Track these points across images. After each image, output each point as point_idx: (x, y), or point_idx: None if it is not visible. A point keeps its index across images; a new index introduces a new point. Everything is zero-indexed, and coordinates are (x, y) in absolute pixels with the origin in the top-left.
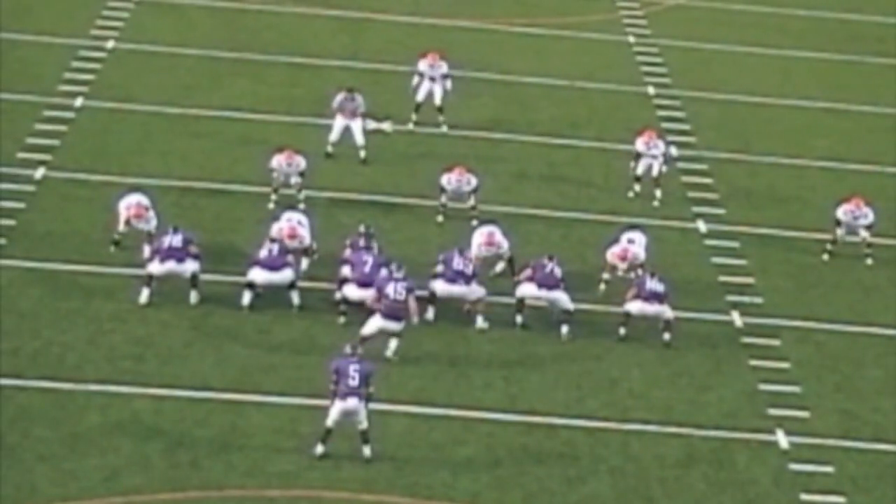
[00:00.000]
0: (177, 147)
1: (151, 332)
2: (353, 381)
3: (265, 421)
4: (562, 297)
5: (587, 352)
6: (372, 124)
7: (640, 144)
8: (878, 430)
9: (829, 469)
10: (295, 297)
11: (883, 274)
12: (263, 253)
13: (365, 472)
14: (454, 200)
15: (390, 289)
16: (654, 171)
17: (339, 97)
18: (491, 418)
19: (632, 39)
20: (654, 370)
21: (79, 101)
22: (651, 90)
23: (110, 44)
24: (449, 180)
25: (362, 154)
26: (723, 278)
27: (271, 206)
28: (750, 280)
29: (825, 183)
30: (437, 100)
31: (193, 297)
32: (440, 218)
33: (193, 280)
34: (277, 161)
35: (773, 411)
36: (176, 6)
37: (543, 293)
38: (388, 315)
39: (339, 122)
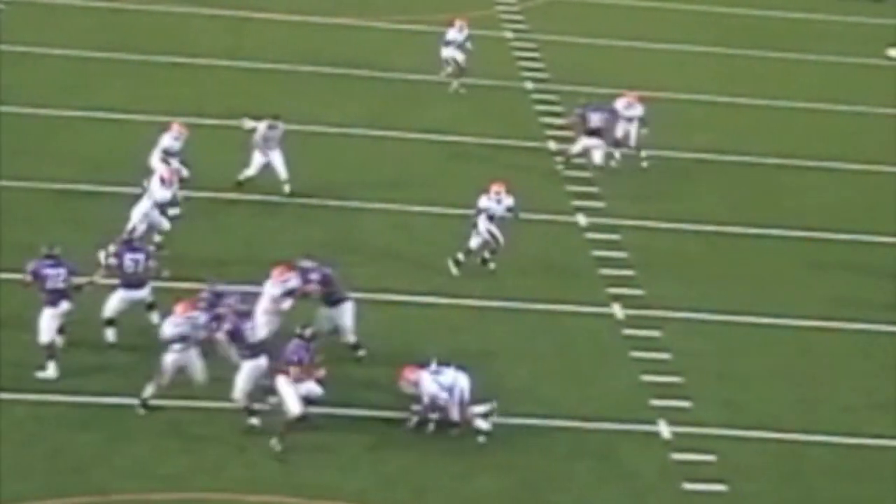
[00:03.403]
0: (54, 149)
1: (32, 338)
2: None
3: (149, 424)
4: None
5: (473, 348)
6: (250, 123)
7: (619, 105)
8: (759, 418)
9: (711, 458)
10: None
11: (761, 264)
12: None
13: (251, 473)
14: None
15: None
16: (633, 137)
17: (262, 128)
18: (378, 416)
19: (509, 35)
20: (540, 365)
21: None
22: (529, 85)
23: None
24: (489, 199)
25: (286, 189)
26: (604, 271)
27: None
28: (631, 272)
29: (706, 175)
30: (461, 62)
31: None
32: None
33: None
34: (168, 137)
35: (655, 402)
36: (48, 6)
37: None
38: None
39: (258, 159)
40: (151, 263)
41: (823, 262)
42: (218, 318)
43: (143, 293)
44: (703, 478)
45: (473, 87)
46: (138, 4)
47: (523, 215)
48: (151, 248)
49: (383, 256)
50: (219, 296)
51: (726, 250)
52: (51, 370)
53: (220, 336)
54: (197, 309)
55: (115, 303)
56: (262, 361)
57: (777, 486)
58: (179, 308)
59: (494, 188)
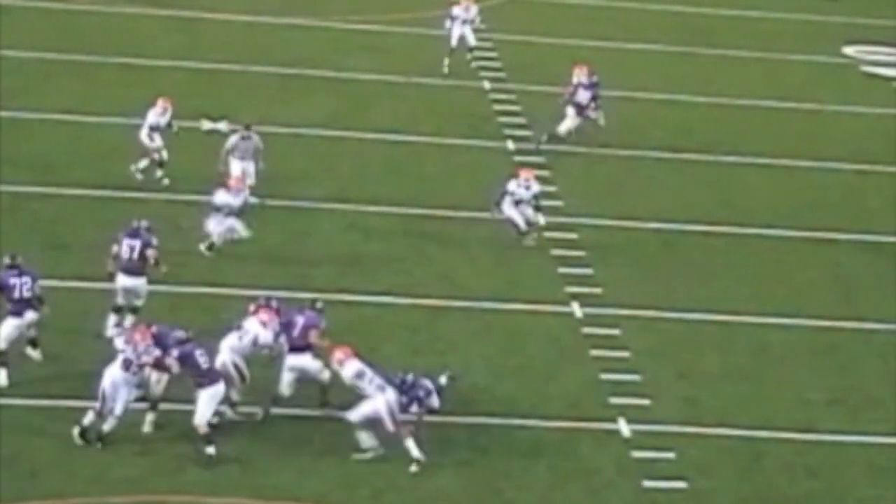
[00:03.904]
0: (7, 152)
1: None
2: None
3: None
4: None
5: (431, 348)
6: (207, 124)
7: (574, 78)
8: (718, 415)
9: (670, 455)
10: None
11: (719, 262)
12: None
13: (210, 475)
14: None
15: None
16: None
17: (234, 138)
18: (336, 416)
19: None
20: (497, 363)
21: None
22: (487, 84)
23: None
24: (518, 184)
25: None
26: (562, 270)
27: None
28: (589, 271)
29: (663, 173)
30: (471, 41)
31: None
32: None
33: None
34: (153, 113)
35: (614, 400)
36: (2, 7)
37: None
38: None
39: (234, 166)
40: (149, 253)
41: (780, 260)
42: (165, 348)
43: (136, 283)
44: (662, 475)
45: (430, 86)
46: (89, 5)
47: (481, 215)
48: (153, 239)
49: (339, 257)
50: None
51: (684, 248)
52: (1, 378)
53: (170, 362)
54: (150, 338)
55: (118, 289)
56: (221, 387)
57: (736, 483)
58: (136, 335)
59: (524, 174)
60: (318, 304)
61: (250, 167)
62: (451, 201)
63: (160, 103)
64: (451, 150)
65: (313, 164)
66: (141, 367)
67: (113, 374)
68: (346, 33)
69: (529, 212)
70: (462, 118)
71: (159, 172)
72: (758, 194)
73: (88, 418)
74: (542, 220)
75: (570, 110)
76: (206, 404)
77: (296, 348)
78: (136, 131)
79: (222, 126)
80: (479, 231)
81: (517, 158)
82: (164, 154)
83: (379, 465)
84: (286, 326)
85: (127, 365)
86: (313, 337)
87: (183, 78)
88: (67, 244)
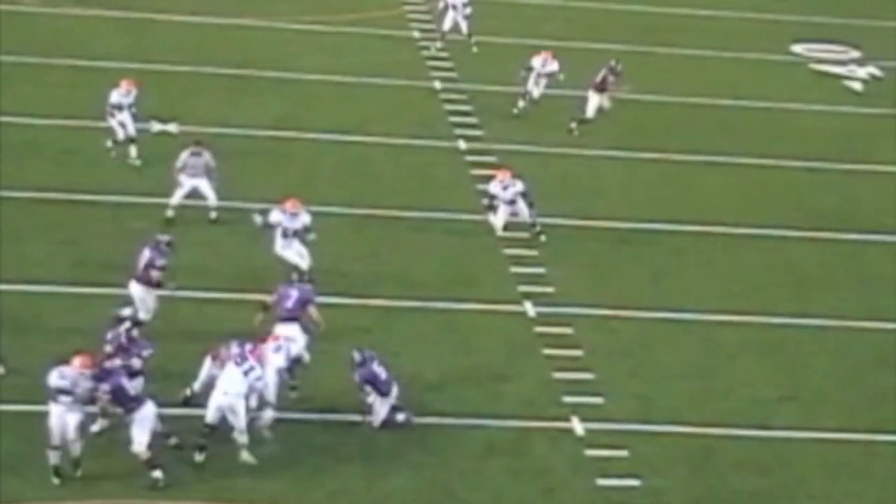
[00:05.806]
0: None
1: None
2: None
3: None
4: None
5: (383, 348)
6: (157, 126)
7: (536, 62)
8: (671, 412)
9: (623, 453)
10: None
11: (671, 260)
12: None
13: (164, 478)
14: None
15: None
16: (536, 92)
17: (184, 155)
18: (289, 418)
19: (416, 35)
20: (450, 363)
21: None
22: (438, 84)
23: None
24: (494, 186)
25: (213, 215)
26: (514, 269)
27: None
28: (541, 270)
29: (614, 172)
30: (465, 29)
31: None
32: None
33: None
34: (116, 94)
35: (567, 399)
36: None
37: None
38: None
39: (184, 183)
40: (153, 272)
41: (732, 257)
42: (100, 379)
43: (135, 291)
44: (616, 473)
45: (380, 86)
46: (37, 7)
47: (434, 215)
48: (158, 259)
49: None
50: (122, 349)
51: (636, 246)
52: None
53: (101, 395)
54: (91, 367)
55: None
56: (151, 407)
57: (689, 480)
58: (76, 361)
59: (500, 175)
60: (309, 280)
61: (203, 184)
62: (403, 201)
63: (124, 84)
64: (402, 150)
65: (264, 166)
66: (82, 399)
67: (56, 410)
68: (296, 34)
69: (524, 211)
70: (413, 118)
71: (133, 151)
72: (710, 192)
73: (53, 459)
74: (529, 216)
75: (591, 93)
76: (139, 429)
77: (286, 318)
78: (85, 133)
79: (172, 128)
80: (431, 231)
81: (469, 158)
82: (131, 130)
83: (333, 466)
84: (280, 297)
85: (66, 394)
86: (313, 313)
87: (132, 78)
88: (19, 248)
